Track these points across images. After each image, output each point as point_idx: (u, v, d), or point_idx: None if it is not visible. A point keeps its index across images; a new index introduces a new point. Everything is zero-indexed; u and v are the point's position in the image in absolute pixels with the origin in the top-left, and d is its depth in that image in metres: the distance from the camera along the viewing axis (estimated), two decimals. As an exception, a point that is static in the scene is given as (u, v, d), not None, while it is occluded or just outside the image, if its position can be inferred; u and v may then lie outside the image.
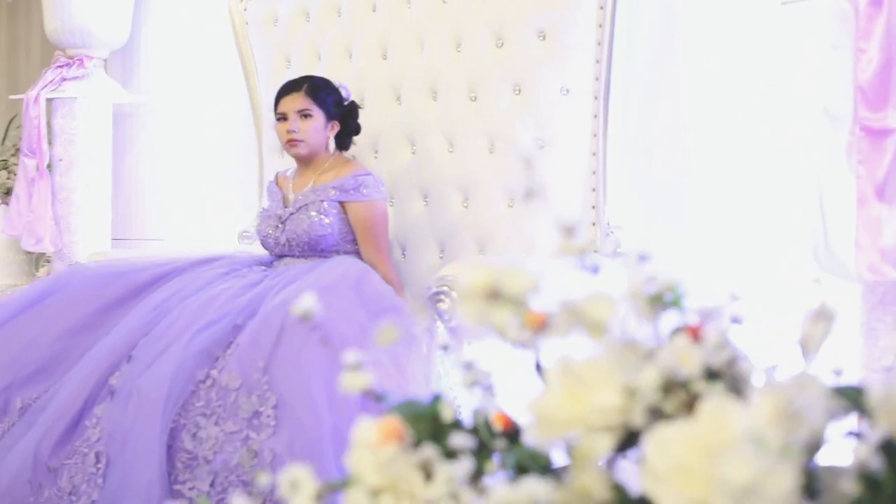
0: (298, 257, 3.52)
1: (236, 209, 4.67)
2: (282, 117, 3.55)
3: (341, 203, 3.49)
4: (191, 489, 2.82)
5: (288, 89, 3.56)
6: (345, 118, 3.62)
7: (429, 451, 1.26)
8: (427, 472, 1.25)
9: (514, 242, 3.58)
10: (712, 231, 3.48)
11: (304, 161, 3.60)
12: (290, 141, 3.53)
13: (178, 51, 4.93)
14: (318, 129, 3.52)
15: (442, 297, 3.05)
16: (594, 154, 3.57)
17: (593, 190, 3.59)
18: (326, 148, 3.59)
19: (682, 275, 3.39)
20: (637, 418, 1.15)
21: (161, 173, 5.02)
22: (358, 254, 3.51)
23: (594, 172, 3.58)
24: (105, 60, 5.02)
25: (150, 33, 5.05)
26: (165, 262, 3.60)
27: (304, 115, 3.50)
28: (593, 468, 1.12)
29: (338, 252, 3.49)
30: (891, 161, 2.59)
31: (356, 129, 3.67)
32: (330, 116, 3.55)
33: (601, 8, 3.51)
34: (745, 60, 3.31)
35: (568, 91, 3.56)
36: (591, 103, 3.56)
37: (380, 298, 3.18)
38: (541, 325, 1.36)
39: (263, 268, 3.54)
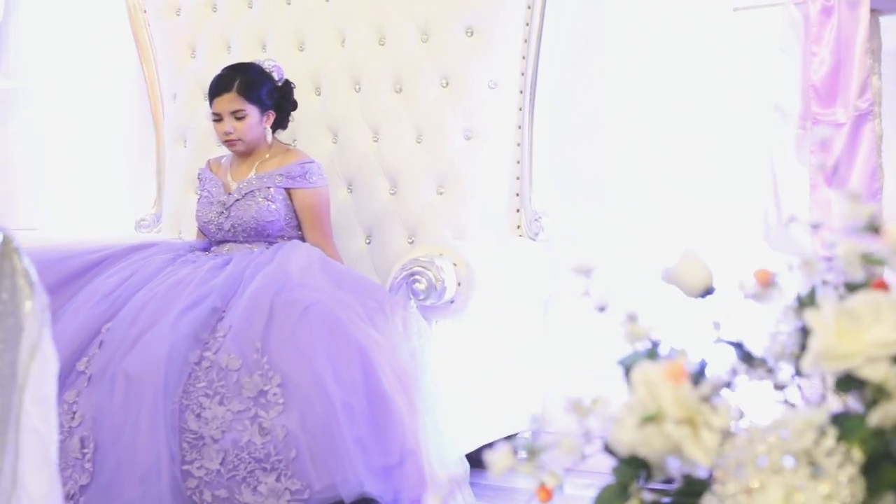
0: (242, 242, 3.58)
1: (128, 198, 4.63)
2: (217, 118, 3.58)
3: (287, 189, 3.57)
4: (199, 468, 2.87)
5: (220, 89, 3.57)
6: (280, 102, 3.67)
7: (707, 386, 1.46)
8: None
9: (445, 228, 3.76)
10: (630, 216, 3.79)
11: (252, 151, 3.65)
12: (227, 141, 3.58)
13: (61, 35, 4.81)
14: (252, 125, 3.57)
15: (417, 277, 3.21)
16: (519, 144, 3.81)
17: (518, 178, 3.82)
18: (267, 138, 3.65)
19: (603, 256, 3.69)
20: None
21: (38, 161, 4.88)
22: (301, 238, 3.60)
23: (518, 162, 3.81)
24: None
25: (26, 16, 4.89)
26: (97, 249, 3.58)
27: (238, 116, 3.55)
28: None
29: (282, 237, 3.57)
30: (839, 151, 2.96)
31: (292, 108, 3.73)
32: (264, 108, 3.60)
33: (528, 7, 3.75)
34: (693, 60, 3.63)
35: (496, 85, 3.77)
36: (517, 97, 3.79)
37: (345, 276, 3.31)
38: (768, 281, 1.57)
39: (210, 253, 3.58)
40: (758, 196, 3.35)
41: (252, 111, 3.56)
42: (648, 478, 1.53)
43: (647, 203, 3.75)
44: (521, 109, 3.80)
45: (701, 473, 1.60)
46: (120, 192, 4.68)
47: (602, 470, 1.64)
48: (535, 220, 3.79)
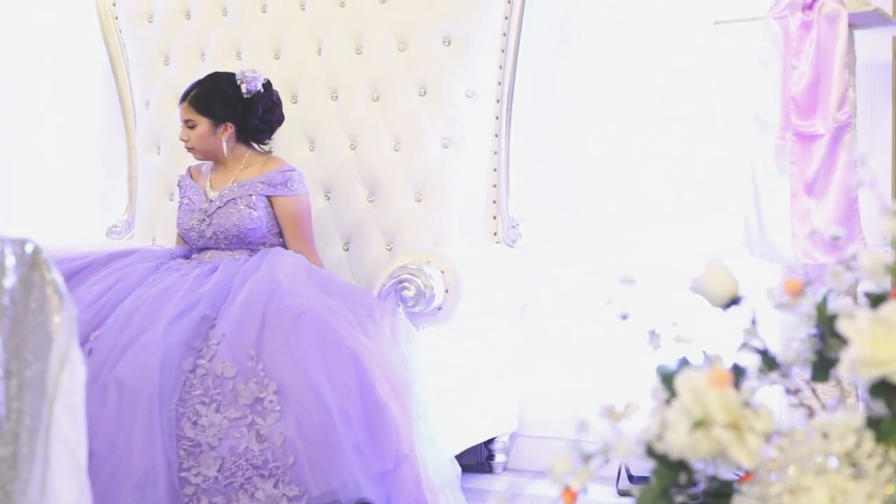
0: (224, 250, 3.59)
1: (96, 204, 4.62)
2: (181, 124, 3.67)
3: (268, 197, 3.60)
4: (196, 475, 2.89)
5: (182, 97, 3.66)
6: (242, 115, 3.64)
7: (747, 391, 1.53)
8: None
9: (424, 235, 3.81)
10: (605, 223, 3.87)
11: (212, 159, 3.67)
12: (186, 148, 3.67)
13: (30, 40, 4.78)
14: (203, 136, 3.61)
15: (406, 284, 3.26)
16: (496, 153, 3.87)
17: (494, 186, 3.88)
18: (223, 149, 3.62)
19: (580, 263, 3.78)
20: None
21: (3, 166, 4.84)
22: (282, 245, 3.62)
23: (495, 170, 3.87)
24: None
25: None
26: (77, 257, 3.58)
27: (189, 125, 3.62)
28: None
29: (264, 244, 3.59)
30: (819, 161, 3.06)
31: (263, 122, 3.67)
32: (219, 120, 3.60)
33: (506, 18, 3.81)
34: (672, 72, 3.71)
35: (473, 94, 3.83)
36: (494, 106, 3.85)
37: (332, 282, 3.34)
38: (798, 290, 1.64)
39: (193, 261, 3.59)
40: (734, 203, 3.45)
41: (202, 122, 3.61)
42: (689, 482, 1.60)
43: (623, 211, 3.83)
44: (497, 118, 3.86)
45: (727, 475, 1.67)
46: (88, 198, 4.66)
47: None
48: (513, 227, 3.85)
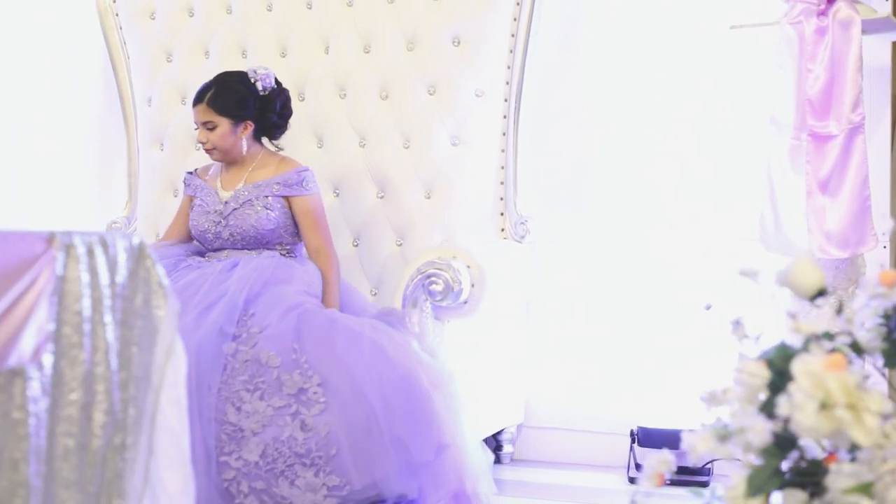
0: (241, 249, 3.62)
1: (95, 200, 4.62)
2: (196, 126, 3.66)
3: (285, 197, 3.63)
4: (237, 459, 2.95)
5: (196, 100, 3.64)
6: (261, 112, 3.69)
7: (860, 374, 1.64)
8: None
9: (435, 232, 3.89)
10: (610, 220, 3.99)
11: (231, 160, 3.70)
12: (204, 150, 3.66)
13: (29, 36, 4.76)
14: (224, 136, 3.62)
15: (434, 278, 3.34)
16: (503, 151, 3.96)
17: (502, 183, 3.98)
18: (242, 148, 3.65)
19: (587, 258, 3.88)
20: None
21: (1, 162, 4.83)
22: (296, 244, 3.67)
23: (503, 167, 3.97)
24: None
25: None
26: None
27: (209, 127, 3.61)
28: None
29: (280, 243, 3.63)
30: (833, 161, 3.20)
31: (280, 117, 3.74)
32: (238, 119, 3.63)
33: (515, 19, 3.91)
34: (686, 74, 3.84)
35: (482, 93, 3.92)
36: (503, 105, 3.95)
37: (353, 293, 3.48)
38: (893, 281, 1.76)
39: (210, 258, 3.62)
40: (743, 201, 3.59)
41: (222, 122, 3.61)
42: (802, 460, 1.71)
43: (628, 208, 3.95)
44: (505, 117, 3.95)
45: (817, 454, 1.79)
46: (86, 194, 4.66)
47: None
48: (522, 223, 3.95)
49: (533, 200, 4.03)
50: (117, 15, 4.40)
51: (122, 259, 1.93)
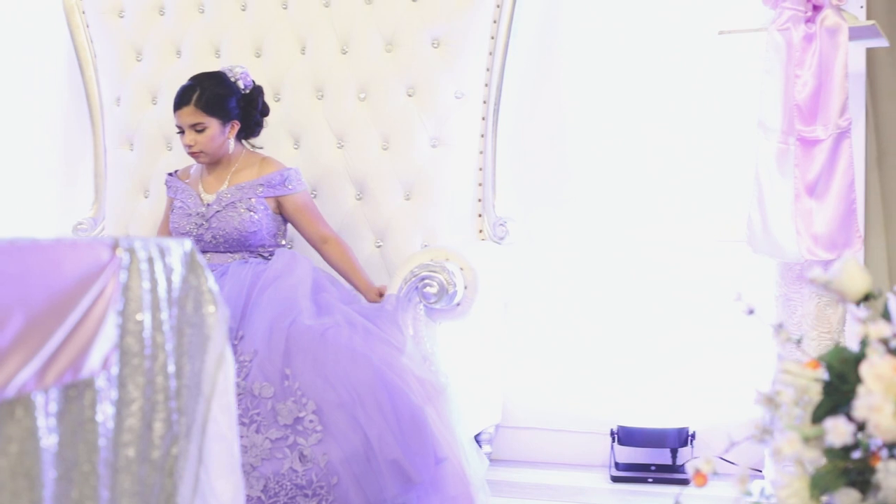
0: (223, 252, 3.58)
1: (58, 200, 4.53)
2: (179, 130, 3.59)
3: (273, 198, 3.60)
4: (241, 495, 2.92)
5: (181, 102, 3.57)
6: (245, 111, 3.67)
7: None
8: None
9: (414, 233, 3.90)
10: (587, 221, 4.03)
11: (217, 162, 3.66)
12: (191, 153, 3.60)
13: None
14: (213, 137, 3.58)
15: (428, 281, 3.34)
16: (482, 152, 3.98)
17: (480, 185, 4.00)
18: (228, 149, 3.63)
19: (565, 260, 3.95)
20: None
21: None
22: (278, 247, 3.64)
23: (481, 169, 3.99)
24: None
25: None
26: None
27: (198, 129, 3.56)
28: None
29: (263, 246, 3.59)
30: (820, 165, 3.28)
31: (262, 114, 3.73)
32: (227, 119, 3.60)
33: (494, 21, 3.93)
34: (672, 79, 3.89)
35: (462, 95, 3.93)
36: (482, 107, 3.96)
37: (348, 290, 3.41)
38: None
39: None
40: (723, 203, 3.66)
41: (212, 123, 3.57)
42: (866, 457, 1.75)
43: (607, 209, 4.00)
44: (484, 119, 3.97)
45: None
46: (49, 194, 4.57)
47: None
48: (500, 224, 3.97)
49: (512, 202, 4.06)
50: (84, 13, 4.32)
51: (178, 266, 1.91)
